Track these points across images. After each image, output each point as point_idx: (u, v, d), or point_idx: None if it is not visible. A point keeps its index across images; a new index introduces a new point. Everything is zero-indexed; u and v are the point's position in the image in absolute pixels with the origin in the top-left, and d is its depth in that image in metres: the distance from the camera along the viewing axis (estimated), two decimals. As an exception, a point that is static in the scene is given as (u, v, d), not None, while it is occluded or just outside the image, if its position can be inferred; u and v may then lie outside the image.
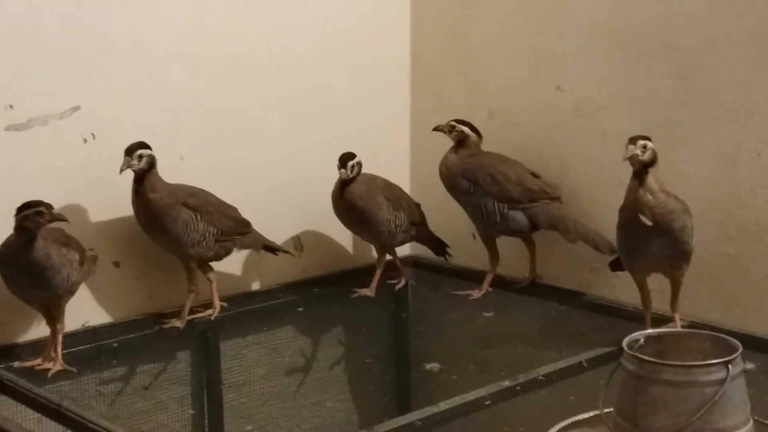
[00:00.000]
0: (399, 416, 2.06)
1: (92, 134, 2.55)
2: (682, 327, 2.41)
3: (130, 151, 2.44)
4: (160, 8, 2.65)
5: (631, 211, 2.30)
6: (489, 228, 2.84)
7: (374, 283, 2.93)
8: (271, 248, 2.84)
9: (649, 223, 2.26)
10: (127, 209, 2.54)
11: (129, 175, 2.48)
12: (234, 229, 2.69)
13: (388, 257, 2.97)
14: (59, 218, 2.25)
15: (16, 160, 2.42)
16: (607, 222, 2.59)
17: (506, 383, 2.20)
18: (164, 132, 2.63)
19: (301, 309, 2.88)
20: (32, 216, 2.20)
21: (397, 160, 3.23)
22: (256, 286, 2.92)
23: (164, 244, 2.59)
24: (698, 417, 1.66)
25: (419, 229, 2.99)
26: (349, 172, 2.75)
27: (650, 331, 1.90)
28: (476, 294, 2.88)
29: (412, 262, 3.19)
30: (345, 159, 2.75)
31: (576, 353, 2.37)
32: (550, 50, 2.87)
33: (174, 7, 2.68)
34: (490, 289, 2.89)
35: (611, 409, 1.79)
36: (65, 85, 2.49)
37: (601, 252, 2.70)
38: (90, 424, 2.00)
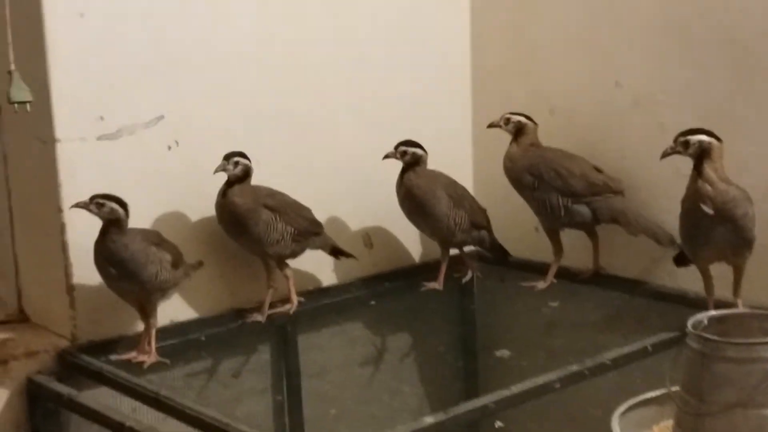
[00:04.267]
0: (473, 399, 2.15)
1: (176, 141, 2.68)
2: (744, 311, 2.46)
3: (228, 156, 2.57)
4: (233, 18, 2.76)
5: (692, 201, 2.36)
6: (553, 222, 2.89)
7: (441, 277, 2.98)
8: (338, 251, 2.92)
9: (711, 211, 2.31)
10: (210, 211, 2.67)
11: (213, 180, 2.60)
12: (308, 229, 2.79)
13: (454, 251, 3.04)
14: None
15: (108, 168, 2.56)
16: (666, 214, 2.64)
17: (574, 368, 2.26)
18: (241, 138, 2.74)
19: (373, 302, 2.95)
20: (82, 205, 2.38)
21: (460, 157, 3.30)
22: (329, 281, 3.01)
23: (245, 244, 2.70)
24: (761, 391, 1.74)
25: (482, 234, 3.01)
26: (398, 155, 2.84)
27: (713, 312, 1.97)
28: (541, 285, 2.92)
29: (477, 255, 3.23)
30: (399, 143, 2.85)
31: (640, 338, 2.42)
32: (609, 46, 2.92)
33: (246, 17, 2.79)
34: (555, 281, 2.93)
35: (677, 387, 1.88)
36: (149, 96, 2.62)
37: (662, 245, 2.74)
38: (188, 411, 2.12)
